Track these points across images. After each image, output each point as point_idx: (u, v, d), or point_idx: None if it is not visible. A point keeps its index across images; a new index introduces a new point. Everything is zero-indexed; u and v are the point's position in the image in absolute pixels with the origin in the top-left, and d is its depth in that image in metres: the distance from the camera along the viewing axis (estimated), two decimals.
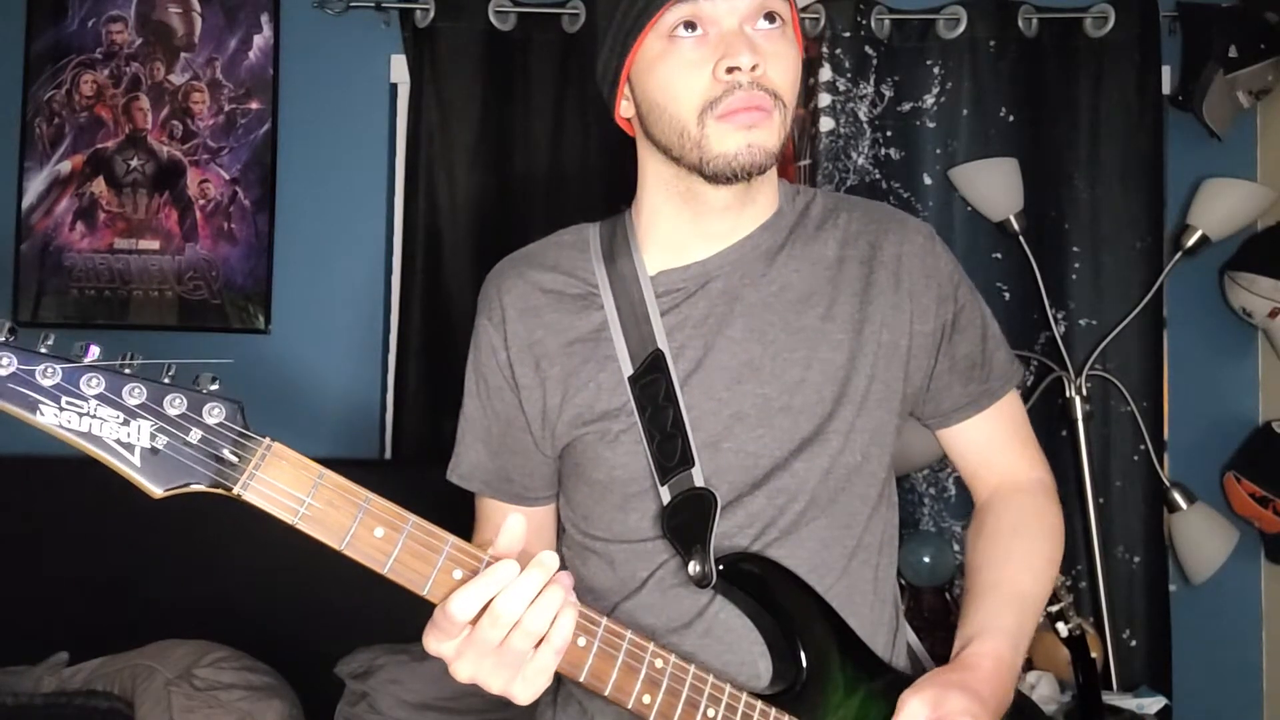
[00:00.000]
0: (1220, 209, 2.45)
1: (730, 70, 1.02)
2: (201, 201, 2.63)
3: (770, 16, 1.05)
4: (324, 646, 2.27)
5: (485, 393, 1.17)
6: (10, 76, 2.64)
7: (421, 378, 2.53)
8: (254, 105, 2.64)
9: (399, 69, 2.63)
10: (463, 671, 0.91)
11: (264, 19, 2.63)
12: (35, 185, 2.63)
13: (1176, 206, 2.58)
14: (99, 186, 2.64)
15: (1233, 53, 2.45)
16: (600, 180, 2.51)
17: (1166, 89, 2.58)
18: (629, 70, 1.09)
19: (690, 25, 1.03)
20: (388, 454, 2.59)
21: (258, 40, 2.64)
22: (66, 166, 2.64)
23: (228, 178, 2.63)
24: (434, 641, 0.91)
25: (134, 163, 2.64)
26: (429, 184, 2.54)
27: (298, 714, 2.20)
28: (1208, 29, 2.49)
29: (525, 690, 0.91)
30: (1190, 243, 2.47)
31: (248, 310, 2.62)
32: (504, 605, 0.88)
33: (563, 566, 0.95)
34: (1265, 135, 2.64)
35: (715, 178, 1.06)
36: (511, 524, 0.92)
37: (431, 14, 2.52)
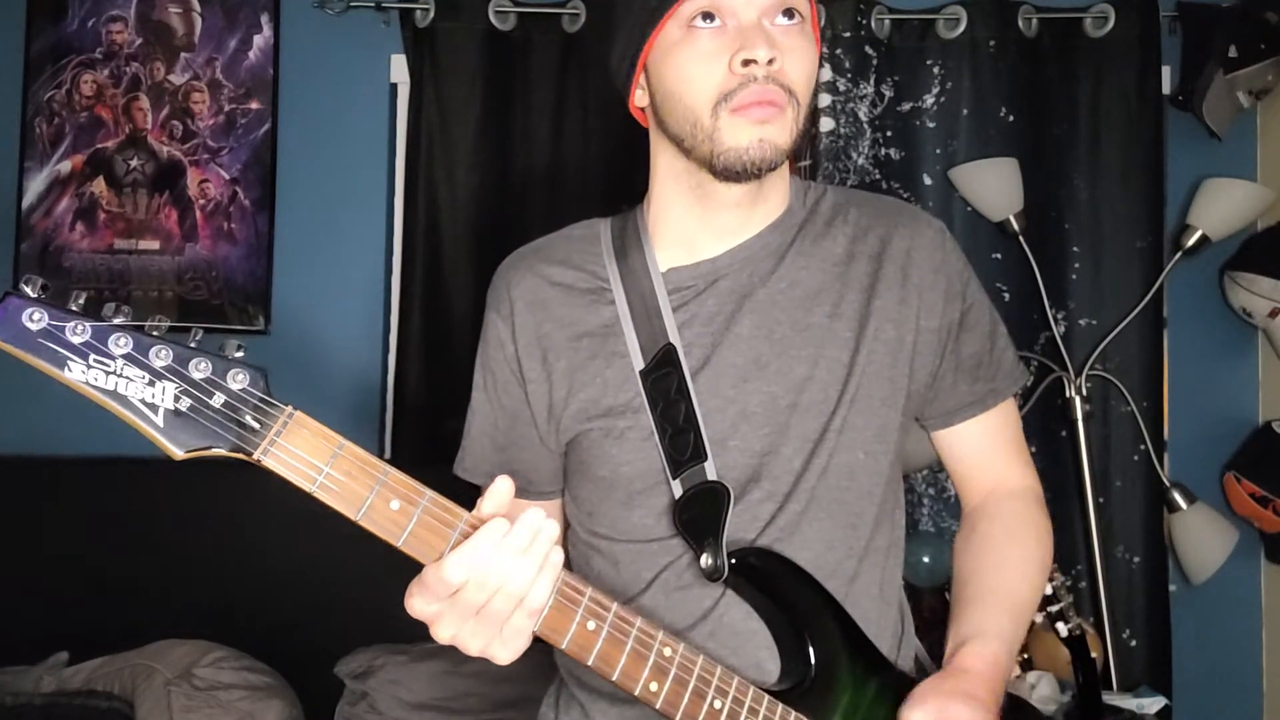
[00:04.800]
0: (1220, 209, 2.45)
1: (746, 63, 1.01)
2: (201, 201, 2.63)
3: (789, 13, 1.05)
4: (324, 646, 2.27)
5: (493, 386, 1.17)
6: (10, 76, 2.64)
7: (421, 378, 2.52)
8: (254, 105, 2.64)
9: (399, 69, 2.63)
10: (444, 633, 0.91)
11: (264, 19, 2.63)
12: (35, 185, 2.63)
13: (1176, 206, 2.58)
14: (99, 186, 2.64)
15: (1233, 53, 2.45)
16: (600, 179, 2.50)
17: (1166, 89, 2.58)
18: (646, 58, 1.08)
19: (709, 16, 1.03)
20: (388, 454, 2.59)
21: (258, 40, 2.64)
22: (66, 166, 2.64)
23: (228, 178, 2.63)
24: (419, 603, 0.91)
25: (134, 163, 2.64)
26: (429, 184, 2.54)
27: (298, 714, 2.20)
28: (1208, 29, 2.49)
29: (504, 651, 0.91)
30: (1190, 243, 2.47)
31: (247, 310, 2.61)
32: (489, 569, 0.88)
33: (568, 565, 0.95)
34: (1265, 135, 2.64)
35: (725, 173, 1.05)
36: (498, 486, 0.92)
37: (431, 14, 2.52)
